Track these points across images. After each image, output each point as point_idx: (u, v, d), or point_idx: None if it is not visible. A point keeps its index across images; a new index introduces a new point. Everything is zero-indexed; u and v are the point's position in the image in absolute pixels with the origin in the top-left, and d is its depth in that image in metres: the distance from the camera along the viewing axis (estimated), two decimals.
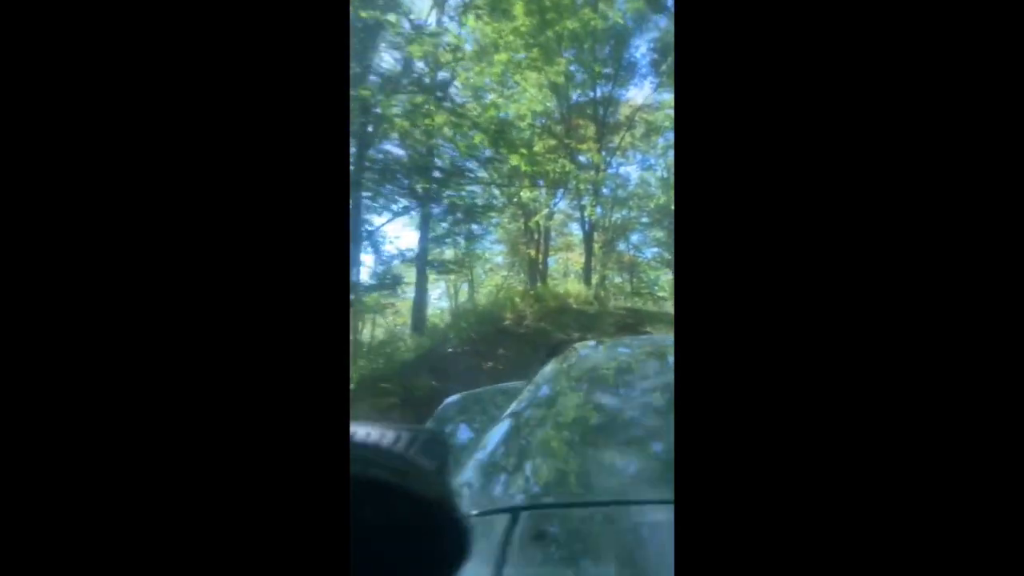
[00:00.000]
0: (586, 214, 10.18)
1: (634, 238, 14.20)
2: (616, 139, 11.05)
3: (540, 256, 11.15)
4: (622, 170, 12.15)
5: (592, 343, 1.70)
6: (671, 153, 12.08)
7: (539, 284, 9.73)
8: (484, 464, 0.90)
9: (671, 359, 1.25)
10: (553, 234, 12.76)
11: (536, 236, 11.07)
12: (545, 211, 10.05)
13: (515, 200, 10.29)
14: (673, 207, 10.36)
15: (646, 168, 13.37)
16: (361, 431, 0.32)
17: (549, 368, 1.36)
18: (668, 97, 11.11)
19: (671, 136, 11.78)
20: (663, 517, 0.57)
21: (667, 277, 14.59)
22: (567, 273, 14.46)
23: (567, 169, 9.00)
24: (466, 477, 0.83)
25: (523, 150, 7.62)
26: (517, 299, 8.24)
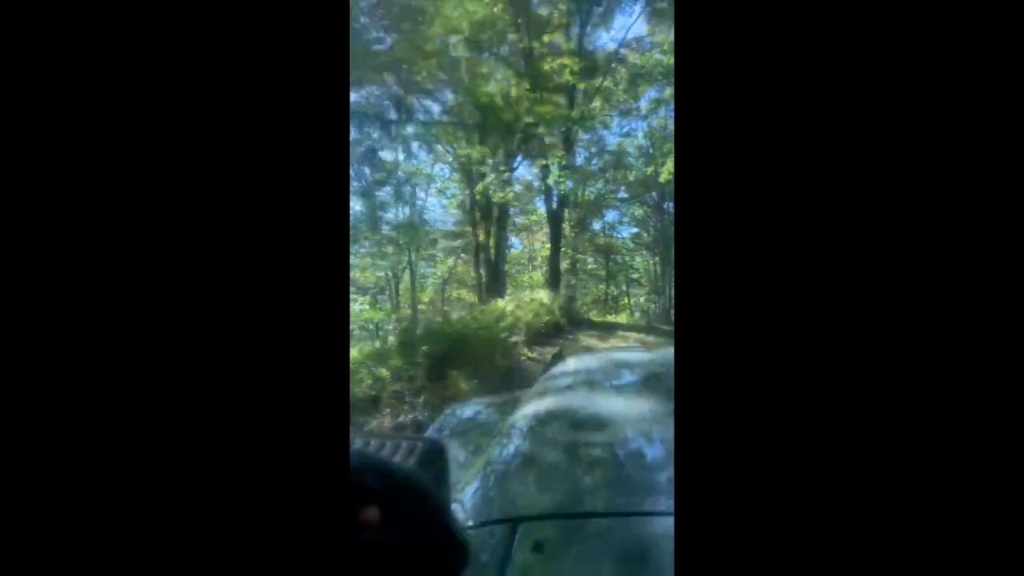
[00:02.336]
0: (551, 180, 6.94)
1: (610, 216, 11.72)
2: (596, 83, 8.19)
3: (492, 240, 8.31)
4: (597, 133, 9.42)
5: (575, 359, 1.75)
6: (663, 112, 9.47)
7: (469, 314, 6.23)
8: (478, 483, 0.95)
9: (639, 370, 1.44)
10: (513, 210, 9.99)
11: (481, 212, 8.18)
12: (492, 176, 6.90)
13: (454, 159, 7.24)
14: (656, 179, 8.09)
15: (625, 134, 10.79)
16: (360, 440, 0.32)
17: (530, 403, 1.35)
18: (660, 37, 8.40)
19: (663, 90, 9.16)
20: (661, 528, 0.64)
21: (641, 258, 12.55)
22: (532, 258, 12.06)
23: (522, 107, 5.67)
24: (462, 493, 0.89)
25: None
26: (420, 360, 4.33)
